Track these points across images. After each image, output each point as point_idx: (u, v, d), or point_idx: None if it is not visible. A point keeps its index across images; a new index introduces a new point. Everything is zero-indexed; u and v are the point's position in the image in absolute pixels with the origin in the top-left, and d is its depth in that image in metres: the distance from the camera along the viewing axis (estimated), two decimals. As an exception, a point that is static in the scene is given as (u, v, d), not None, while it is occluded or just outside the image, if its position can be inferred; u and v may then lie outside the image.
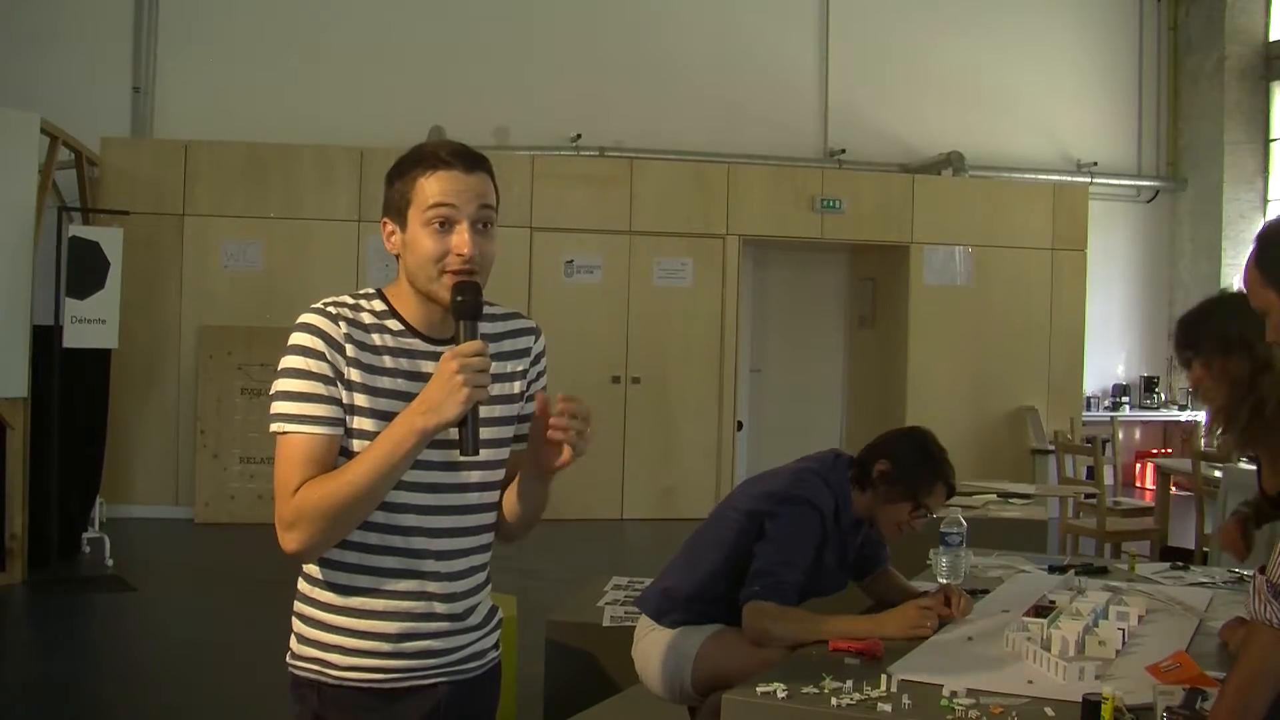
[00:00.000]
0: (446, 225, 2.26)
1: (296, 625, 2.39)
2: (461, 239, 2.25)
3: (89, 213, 9.27)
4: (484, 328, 2.35)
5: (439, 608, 2.35)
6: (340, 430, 2.25)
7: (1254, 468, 3.66)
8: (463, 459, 2.29)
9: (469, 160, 2.29)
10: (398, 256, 2.34)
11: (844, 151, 12.53)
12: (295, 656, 2.38)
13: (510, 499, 2.46)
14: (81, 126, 9.35)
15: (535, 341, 2.52)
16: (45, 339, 8.08)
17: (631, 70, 12.10)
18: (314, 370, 2.24)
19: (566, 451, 2.27)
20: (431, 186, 2.26)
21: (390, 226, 2.33)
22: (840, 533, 3.72)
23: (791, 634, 3.45)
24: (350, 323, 2.28)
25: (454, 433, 2.23)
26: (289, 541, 2.21)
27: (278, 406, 2.24)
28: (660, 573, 3.98)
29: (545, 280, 10.85)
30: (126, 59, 11.26)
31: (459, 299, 2.25)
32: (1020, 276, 11.71)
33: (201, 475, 10.10)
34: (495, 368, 2.35)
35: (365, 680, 2.32)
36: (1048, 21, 13.28)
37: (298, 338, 2.26)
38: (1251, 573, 2.44)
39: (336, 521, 2.20)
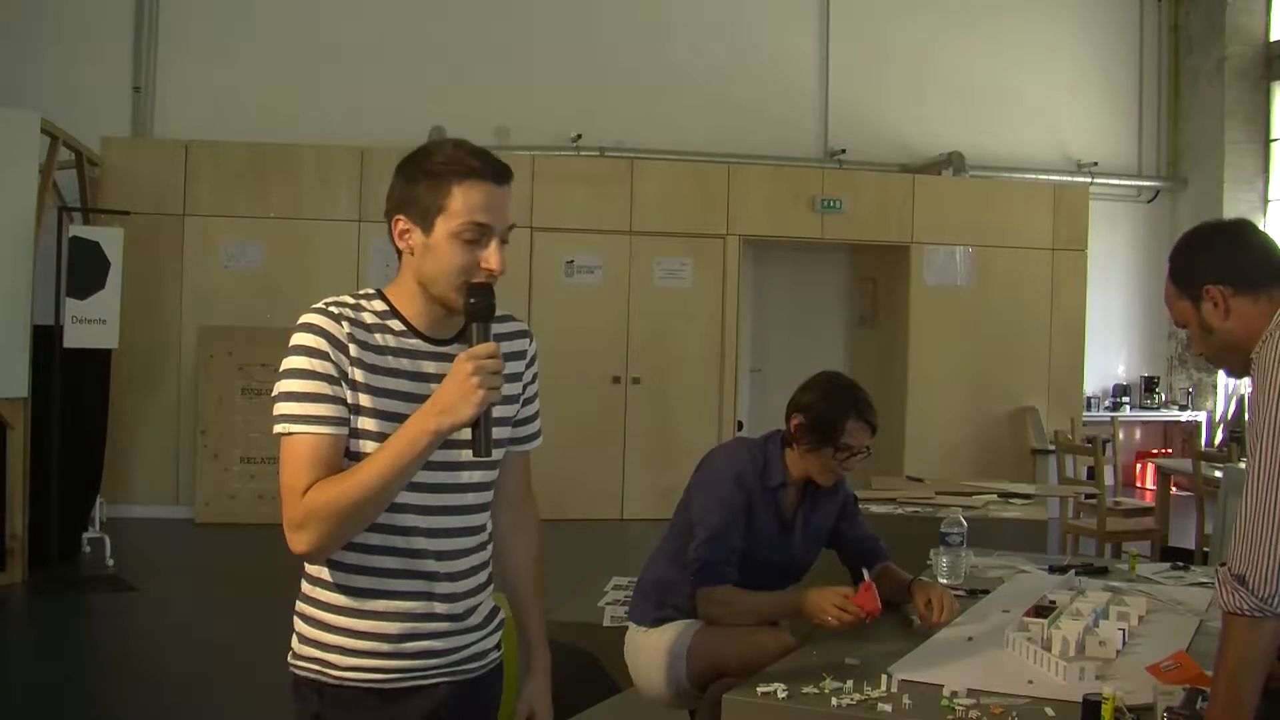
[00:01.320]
0: (478, 239, 2.26)
1: (298, 625, 2.39)
2: (493, 254, 2.26)
3: (89, 212, 9.27)
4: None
5: (440, 608, 2.35)
6: (345, 430, 2.24)
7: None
8: (462, 459, 2.30)
9: (502, 173, 2.29)
10: (399, 253, 2.33)
11: (844, 151, 12.53)
12: (296, 656, 2.38)
13: (509, 575, 2.65)
14: (82, 126, 9.34)
15: (530, 345, 2.54)
16: (46, 339, 8.07)
17: (632, 70, 12.09)
18: (318, 370, 2.23)
19: None
20: (469, 198, 2.25)
21: (406, 225, 2.30)
22: (768, 494, 3.75)
23: (724, 615, 3.61)
24: (353, 322, 2.28)
25: (455, 433, 2.23)
26: (298, 543, 2.21)
27: (282, 407, 2.23)
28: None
29: (546, 280, 10.84)
30: (127, 59, 11.26)
31: (472, 301, 2.25)
32: (1021, 276, 11.70)
33: (202, 475, 10.10)
34: None
35: (366, 680, 2.32)
36: (1048, 21, 13.28)
37: (301, 338, 2.25)
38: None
39: (347, 522, 2.20)
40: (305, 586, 2.38)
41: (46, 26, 10.94)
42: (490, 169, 2.27)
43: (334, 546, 2.25)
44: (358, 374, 2.25)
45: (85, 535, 8.65)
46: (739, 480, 3.70)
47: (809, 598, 3.38)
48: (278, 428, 2.23)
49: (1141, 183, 13.62)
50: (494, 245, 2.26)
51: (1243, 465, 7.82)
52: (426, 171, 2.27)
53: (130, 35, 11.27)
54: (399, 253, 2.34)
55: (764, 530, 3.73)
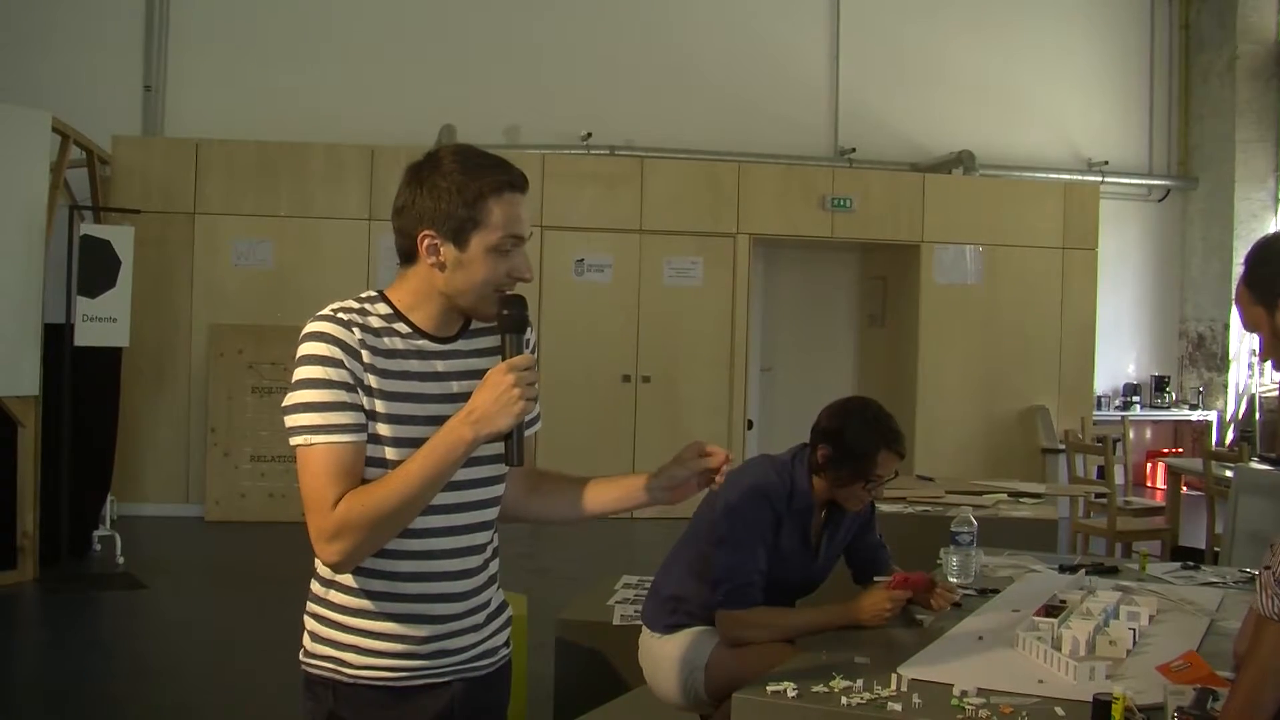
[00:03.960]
0: (512, 249, 2.28)
1: (310, 624, 2.39)
2: (524, 262, 2.29)
3: (100, 211, 9.29)
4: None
5: (453, 606, 2.36)
6: (365, 436, 2.23)
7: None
8: (481, 455, 2.30)
9: (524, 181, 2.31)
10: (404, 259, 2.33)
11: (854, 150, 12.51)
12: (309, 655, 2.38)
13: (600, 497, 2.54)
14: (93, 125, 9.37)
15: (532, 333, 2.53)
16: (56, 337, 8.10)
17: (642, 69, 12.10)
18: (334, 378, 2.22)
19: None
20: (505, 212, 2.26)
21: (435, 239, 2.27)
22: (795, 515, 3.70)
23: (763, 636, 3.54)
24: (362, 328, 2.27)
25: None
26: (331, 553, 2.20)
27: (299, 418, 2.21)
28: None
29: (556, 279, 10.85)
30: (138, 58, 11.29)
31: (506, 313, 2.27)
32: (1031, 276, 11.68)
33: (212, 473, 10.12)
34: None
35: (380, 679, 2.33)
36: (1059, 20, 13.25)
37: (312, 347, 2.24)
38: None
39: (381, 531, 2.21)
40: (316, 587, 2.38)
41: (57, 25, 10.96)
42: (519, 179, 2.29)
43: (365, 555, 2.25)
44: (372, 380, 2.25)
45: (96, 533, 8.67)
46: (768, 503, 3.63)
47: (862, 605, 3.42)
48: (296, 439, 2.22)
49: (1152, 181, 13.59)
50: (523, 252, 2.29)
51: (1254, 465, 7.82)
52: (459, 187, 2.25)
53: (141, 34, 11.29)
54: (404, 259, 2.33)
55: (789, 552, 3.69)
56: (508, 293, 2.29)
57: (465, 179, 2.25)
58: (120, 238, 8.55)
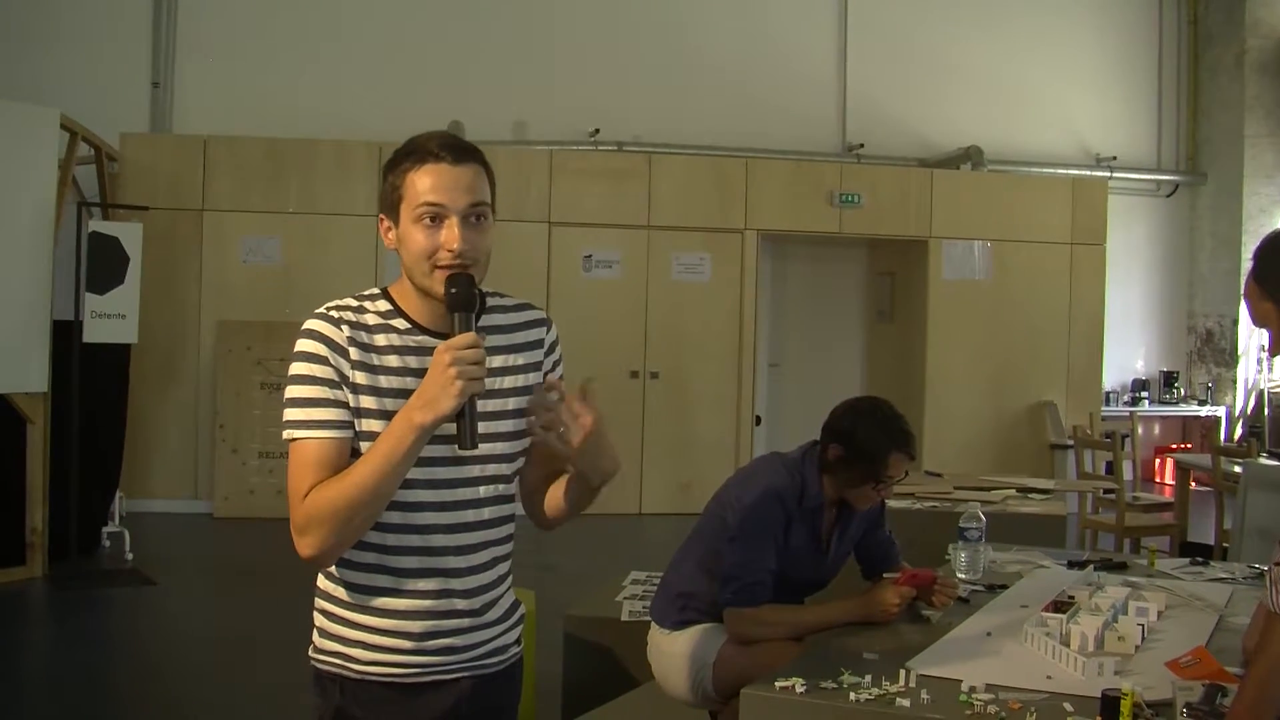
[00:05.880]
0: (436, 220, 2.24)
1: (318, 620, 2.40)
2: (451, 234, 2.24)
3: (109, 208, 9.29)
4: (496, 319, 2.38)
5: (460, 604, 2.35)
6: (350, 432, 2.24)
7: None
8: (472, 453, 2.29)
9: (458, 152, 2.27)
10: (397, 252, 2.33)
11: (862, 146, 12.50)
12: (318, 650, 2.39)
13: (555, 496, 2.48)
14: (101, 122, 9.37)
15: (548, 332, 2.51)
16: (65, 334, 8.10)
17: (650, 65, 12.08)
18: (318, 375, 2.24)
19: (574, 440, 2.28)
20: (421, 181, 2.24)
21: (386, 223, 2.32)
22: (806, 514, 3.71)
23: (773, 634, 3.53)
24: (353, 325, 2.28)
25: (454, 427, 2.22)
26: (304, 547, 2.21)
27: (288, 414, 2.25)
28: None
29: (563, 275, 10.85)
30: (146, 55, 11.29)
31: (452, 290, 2.23)
32: (1039, 271, 11.66)
33: (220, 469, 10.13)
34: (510, 360, 2.37)
35: (388, 675, 2.33)
36: (1067, 15, 13.22)
37: (301, 344, 2.27)
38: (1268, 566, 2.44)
39: (347, 523, 2.19)
40: (323, 584, 2.39)
41: (66, 23, 10.97)
42: (446, 149, 2.26)
43: (339, 549, 2.25)
44: (359, 377, 2.25)
45: (105, 530, 8.69)
46: (778, 500, 3.64)
47: (873, 600, 3.43)
48: (285, 434, 2.25)
49: (1160, 177, 13.56)
50: (452, 224, 2.24)
51: (1263, 460, 7.81)
52: (392, 166, 2.30)
53: (149, 31, 11.29)
54: (396, 252, 2.35)
55: (799, 551, 3.70)
56: (455, 270, 2.24)
57: (399, 158, 2.30)
58: (128, 234, 8.55)
